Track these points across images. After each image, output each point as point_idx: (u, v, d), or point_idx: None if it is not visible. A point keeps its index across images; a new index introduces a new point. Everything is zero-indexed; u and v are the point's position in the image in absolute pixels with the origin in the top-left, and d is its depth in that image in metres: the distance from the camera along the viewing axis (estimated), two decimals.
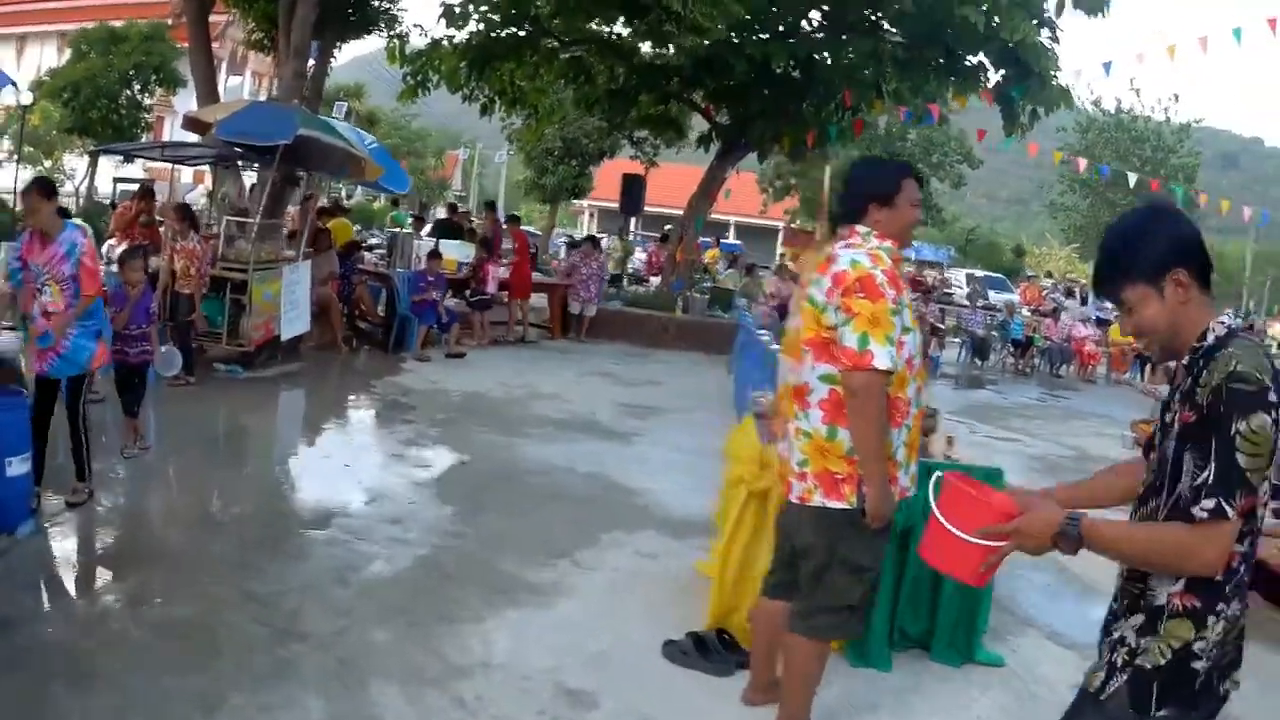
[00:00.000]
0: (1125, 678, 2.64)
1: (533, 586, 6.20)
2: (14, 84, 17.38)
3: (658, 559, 7.01)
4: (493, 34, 18.52)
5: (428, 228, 21.69)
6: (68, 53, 29.41)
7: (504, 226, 18.95)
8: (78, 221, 7.57)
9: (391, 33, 18.44)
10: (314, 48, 15.63)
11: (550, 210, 40.95)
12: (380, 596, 5.81)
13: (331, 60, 17.54)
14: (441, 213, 28.20)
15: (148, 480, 7.85)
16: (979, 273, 45.98)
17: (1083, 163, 31.87)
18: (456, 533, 7.11)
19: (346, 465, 8.64)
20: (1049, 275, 49.19)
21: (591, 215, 63.30)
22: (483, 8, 18.16)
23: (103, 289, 6.98)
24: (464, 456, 9.22)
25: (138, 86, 26.69)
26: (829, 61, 17.78)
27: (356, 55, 34.75)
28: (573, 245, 24.00)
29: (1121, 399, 19.69)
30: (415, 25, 19.01)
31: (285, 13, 15.31)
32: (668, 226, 24.94)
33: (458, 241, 17.86)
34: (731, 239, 45.89)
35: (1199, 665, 2.56)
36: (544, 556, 6.71)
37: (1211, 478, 2.44)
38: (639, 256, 28.89)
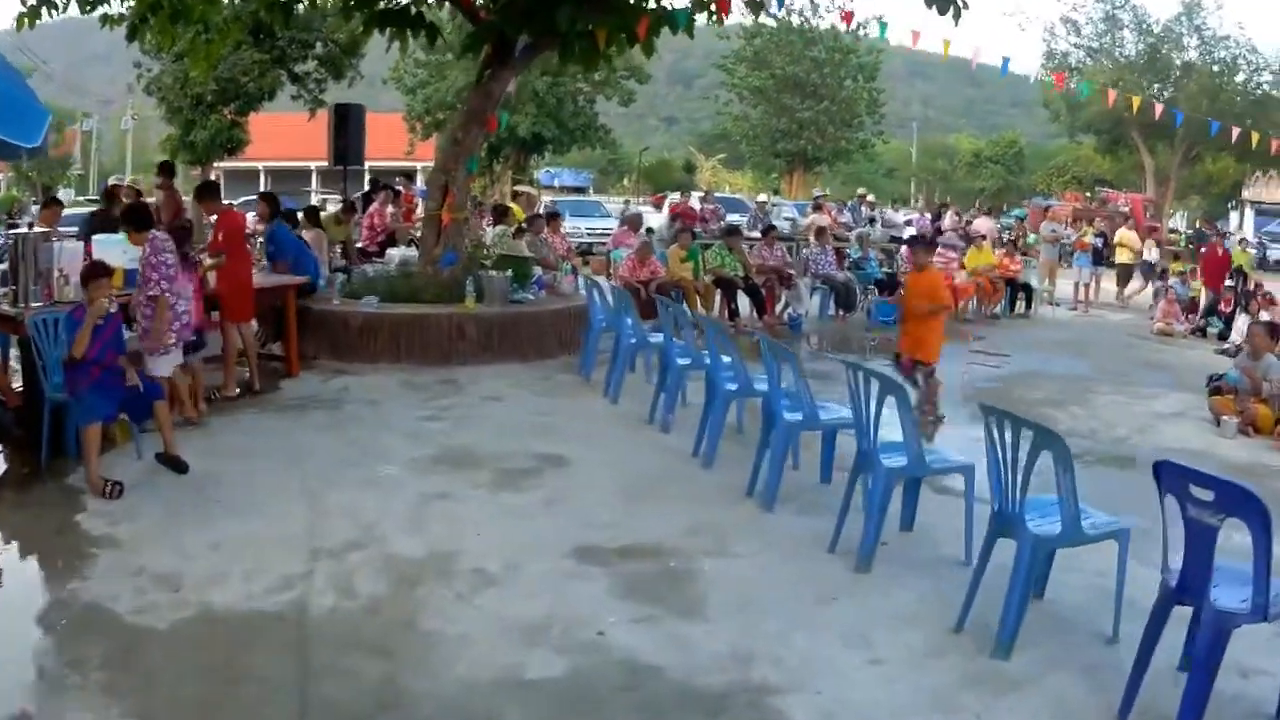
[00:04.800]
0: None
1: None
2: None
3: None
4: None
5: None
6: None
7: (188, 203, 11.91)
8: None
9: None
10: None
11: (202, 172, 32.83)
12: None
13: None
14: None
15: None
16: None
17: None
18: None
19: None
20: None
21: (216, 176, 54.40)
22: None
23: None
24: None
25: None
26: None
27: None
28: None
29: (1044, 342, 16.27)
30: None
31: None
32: (397, 180, 18.38)
33: (120, 237, 10.49)
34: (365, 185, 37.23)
35: None
36: None
37: None
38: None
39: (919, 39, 14.38)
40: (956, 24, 11.46)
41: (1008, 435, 5.13)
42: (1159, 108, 19.85)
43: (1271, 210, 49.22)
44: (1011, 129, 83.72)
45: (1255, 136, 17.86)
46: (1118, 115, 42.19)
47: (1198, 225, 43.30)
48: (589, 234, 27.13)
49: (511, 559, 5.96)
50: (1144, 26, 47.04)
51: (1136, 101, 20.35)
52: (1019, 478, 5.09)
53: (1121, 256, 23.25)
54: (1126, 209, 34.70)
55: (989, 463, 5.34)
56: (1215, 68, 45.14)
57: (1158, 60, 46.10)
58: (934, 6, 11.18)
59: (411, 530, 6.40)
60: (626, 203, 35.83)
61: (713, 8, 13.26)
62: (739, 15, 12.83)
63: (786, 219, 29.20)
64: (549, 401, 10.13)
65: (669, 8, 12.81)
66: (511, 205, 19.20)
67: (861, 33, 50.41)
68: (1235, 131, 19.21)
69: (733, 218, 27.03)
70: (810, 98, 51.42)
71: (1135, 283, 22.61)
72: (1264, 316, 15.64)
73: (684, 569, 5.94)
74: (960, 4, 11.24)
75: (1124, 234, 23.64)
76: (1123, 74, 44.19)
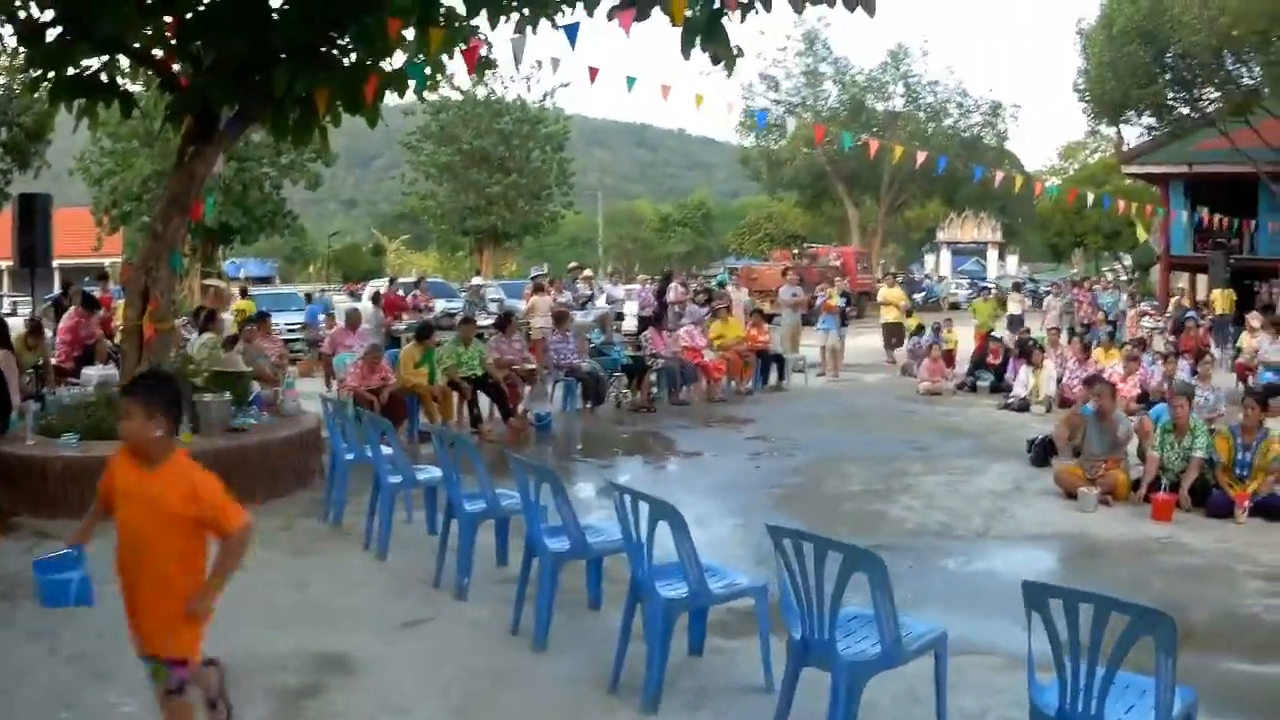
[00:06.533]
0: None
1: None
2: None
3: None
4: None
5: None
6: None
7: None
8: None
9: None
10: None
11: None
12: None
13: None
14: None
15: None
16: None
17: None
18: None
19: None
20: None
21: None
22: None
23: None
24: None
25: None
26: None
27: None
28: None
29: (817, 417, 15.49)
30: None
31: None
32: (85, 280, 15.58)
33: None
34: (56, 287, 33.14)
35: None
36: None
37: None
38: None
39: (702, 101, 13.11)
40: (729, 75, 10.13)
41: (1081, 620, 3.95)
42: (922, 153, 19.26)
43: (965, 249, 51.06)
44: (688, 191, 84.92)
45: (959, 179, 17.75)
46: (820, 170, 42.56)
47: (893, 272, 44.34)
48: (289, 330, 24.04)
49: None
50: (847, 78, 47.95)
51: (879, 146, 19.70)
52: (1096, 681, 3.94)
53: (888, 315, 22.87)
54: (838, 262, 34.76)
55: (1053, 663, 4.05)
56: (923, 114, 46.38)
57: (863, 111, 46.98)
58: (711, 58, 9.80)
59: None
60: (323, 291, 33.37)
61: (428, 70, 11.57)
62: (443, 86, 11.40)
63: (493, 300, 27.65)
64: (302, 564, 7.91)
65: (390, 68, 10.96)
66: (241, 305, 17.05)
67: (548, 101, 50.27)
68: (981, 177, 18.93)
69: (440, 304, 25.15)
70: (499, 171, 50.39)
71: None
72: (1048, 365, 15.79)
73: None
74: (738, 52, 9.89)
75: (888, 292, 23.40)
76: (826, 126, 44.85)
